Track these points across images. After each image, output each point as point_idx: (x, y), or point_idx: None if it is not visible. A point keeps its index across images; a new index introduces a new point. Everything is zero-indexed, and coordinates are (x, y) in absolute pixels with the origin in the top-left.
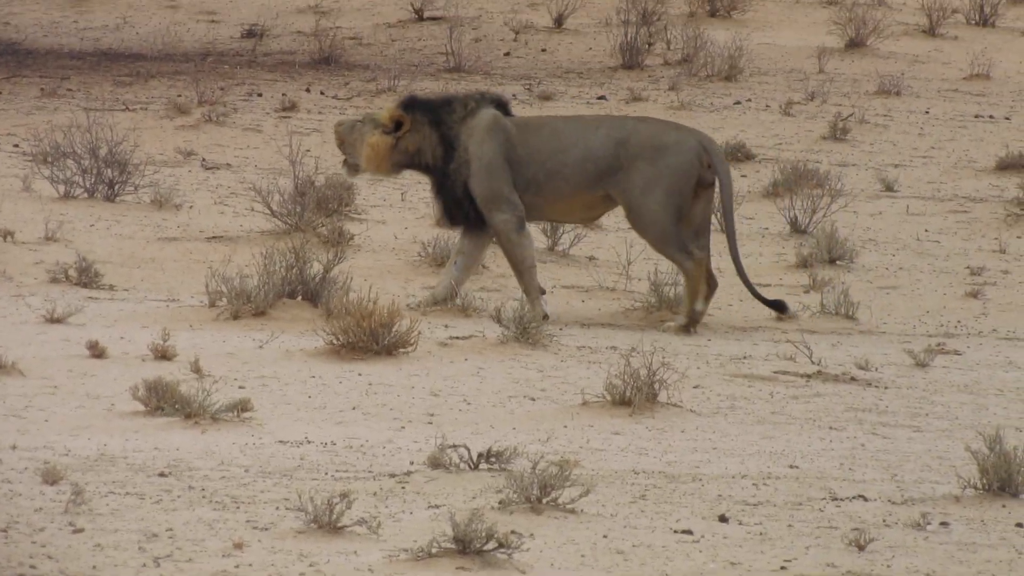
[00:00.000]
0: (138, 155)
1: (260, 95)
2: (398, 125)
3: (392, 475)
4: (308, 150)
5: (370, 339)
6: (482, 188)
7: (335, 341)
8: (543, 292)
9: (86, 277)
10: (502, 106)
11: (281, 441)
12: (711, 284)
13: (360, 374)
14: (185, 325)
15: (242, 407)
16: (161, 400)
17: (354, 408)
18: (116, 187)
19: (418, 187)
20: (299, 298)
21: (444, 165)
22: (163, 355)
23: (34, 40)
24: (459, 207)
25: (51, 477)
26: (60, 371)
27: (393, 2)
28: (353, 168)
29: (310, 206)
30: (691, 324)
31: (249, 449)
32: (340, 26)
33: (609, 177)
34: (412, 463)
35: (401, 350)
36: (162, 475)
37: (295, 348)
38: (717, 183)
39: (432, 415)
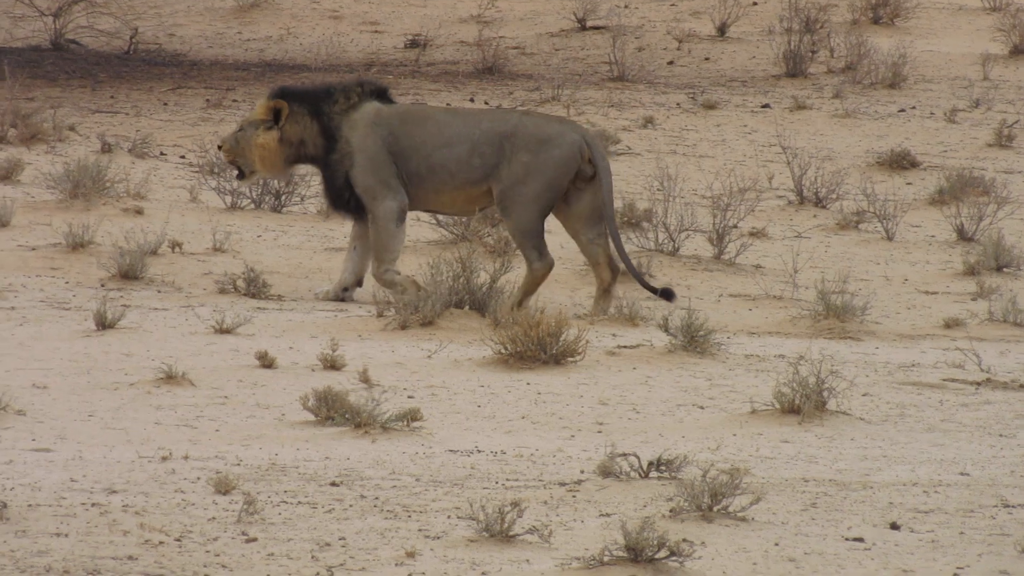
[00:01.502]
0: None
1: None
2: (277, 115)
3: (562, 483)
4: None
5: (538, 348)
6: (365, 179)
7: (503, 351)
8: (397, 274)
9: (254, 287)
10: (383, 94)
11: (451, 450)
12: (613, 270)
13: (528, 383)
14: (353, 335)
15: (412, 416)
16: (331, 410)
17: (523, 417)
18: (282, 198)
19: None
20: (466, 308)
21: (326, 155)
22: (332, 365)
23: (199, 52)
24: (340, 196)
25: (223, 487)
26: (230, 381)
27: (556, 11)
28: (250, 175)
29: (476, 216)
30: (517, 307)
31: (419, 458)
32: (503, 36)
33: (493, 171)
34: (582, 471)
35: (569, 359)
36: (334, 484)
37: (463, 357)
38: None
39: (601, 424)
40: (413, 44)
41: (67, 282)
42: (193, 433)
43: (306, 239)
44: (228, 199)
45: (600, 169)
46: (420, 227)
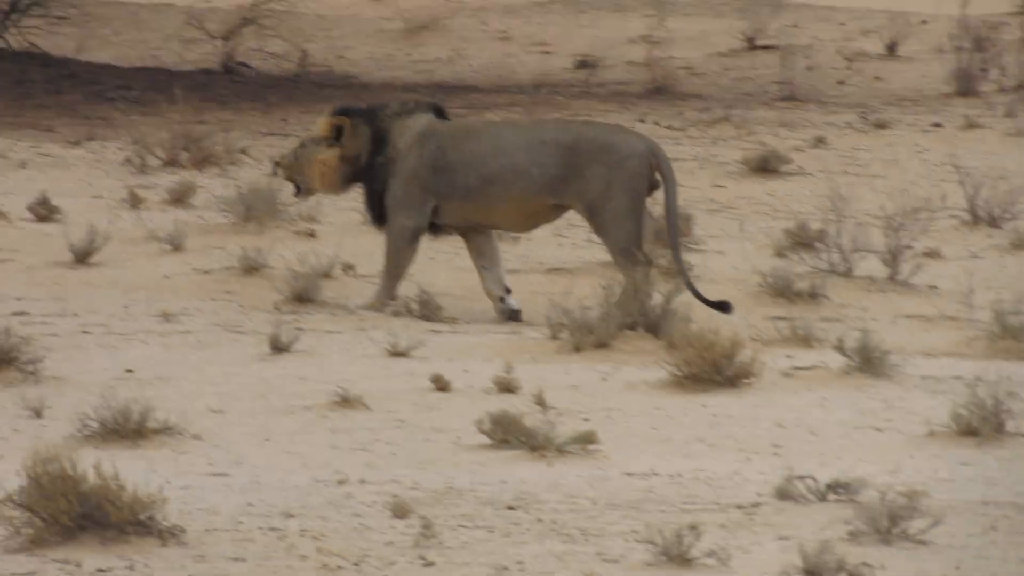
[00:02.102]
0: None
1: None
2: (339, 132)
3: (739, 506)
4: None
5: (713, 370)
6: (399, 191)
7: (678, 373)
8: (393, 299)
9: (428, 310)
10: (438, 111)
11: (628, 473)
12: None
13: (704, 405)
14: (527, 357)
15: (587, 439)
16: (506, 433)
17: (699, 439)
18: None
19: (756, 217)
20: (640, 330)
21: (371, 159)
22: (507, 388)
23: (369, 73)
24: (371, 200)
25: (400, 511)
26: (405, 405)
27: (725, 31)
28: (307, 193)
29: (648, 238)
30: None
31: (596, 481)
32: (673, 56)
33: (559, 184)
34: (759, 494)
35: (744, 381)
36: (510, 508)
37: (638, 380)
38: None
39: (777, 446)
40: (583, 65)
41: (241, 306)
42: (369, 457)
43: None
44: None
45: (667, 179)
46: (592, 248)
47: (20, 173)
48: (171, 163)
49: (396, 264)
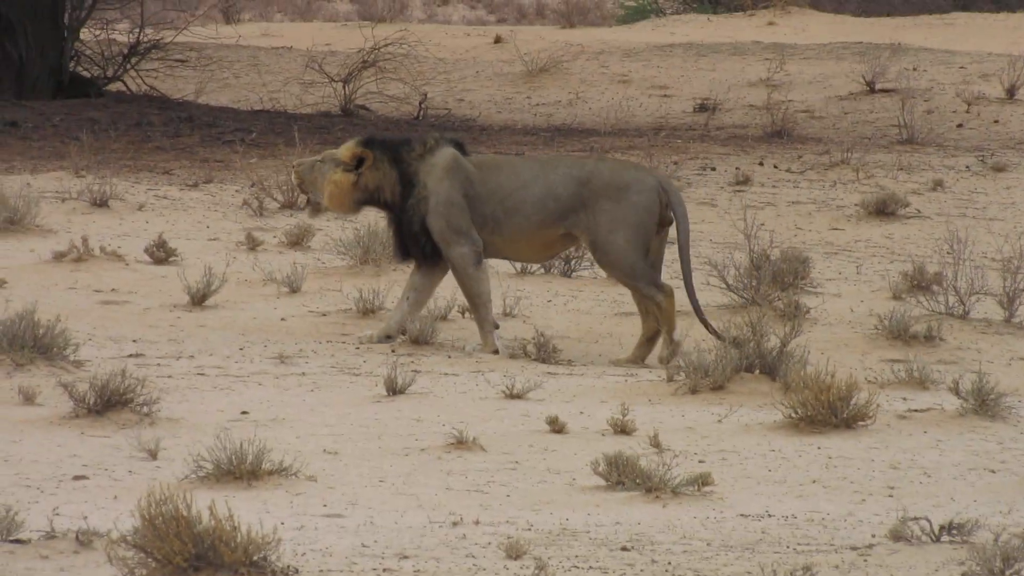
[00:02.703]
0: None
1: (713, 169)
2: (360, 162)
3: (854, 548)
4: (762, 224)
5: (828, 412)
6: (440, 224)
7: (793, 415)
8: (496, 327)
9: (544, 352)
10: (459, 147)
11: (742, 515)
12: (656, 328)
13: (819, 447)
14: (643, 399)
15: (702, 481)
16: (621, 475)
17: (814, 481)
18: (572, 262)
19: (873, 259)
20: (756, 372)
21: (402, 201)
22: (622, 430)
23: (488, 116)
24: (415, 242)
25: (514, 552)
26: (520, 446)
27: (845, 74)
28: (315, 207)
29: (766, 280)
30: (672, 353)
31: (710, 523)
32: (792, 99)
33: (571, 215)
34: (873, 536)
35: (859, 423)
36: (624, 549)
37: (753, 422)
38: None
39: (892, 488)
40: (702, 108)
41: (357, 348)
42: (484, 498)
43: (596, 304)
44: (518, 264)
45: (678, 215)
46: (710, 291)
47: (138, 215)
48: (289, 206)
49: (478, 293)
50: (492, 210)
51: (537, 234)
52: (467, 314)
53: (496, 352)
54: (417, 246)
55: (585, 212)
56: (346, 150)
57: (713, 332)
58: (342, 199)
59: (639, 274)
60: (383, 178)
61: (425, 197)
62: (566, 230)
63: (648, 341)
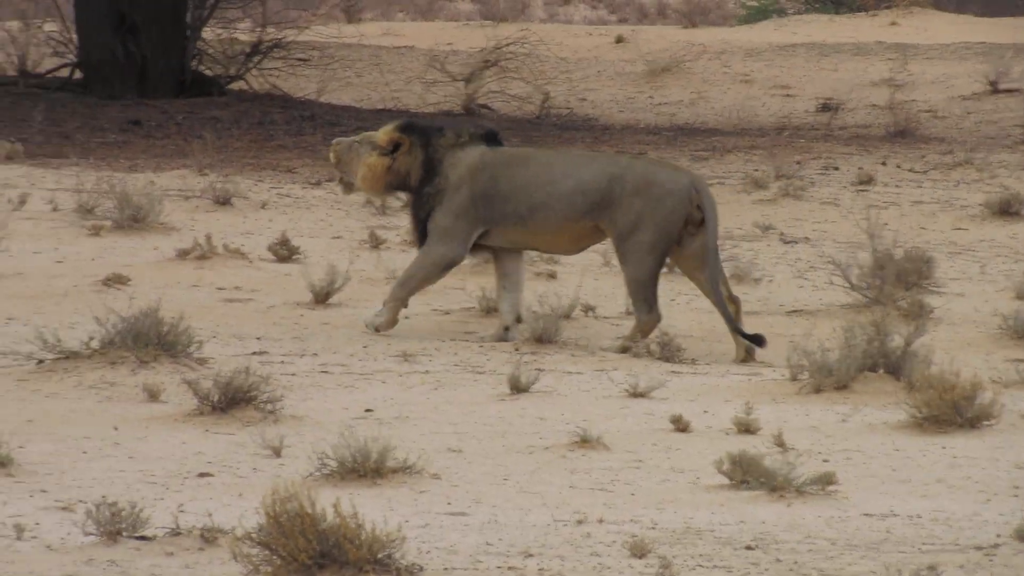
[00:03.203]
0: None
1: (836, 168)
2: (396, 147)
3: (979, 548)
4: (885, 223)
5: (953, 412)
6: (443, 220)
7: (918, 414)
8: (404, 307)
9: (668, 351)
10: (493, 138)
11: (866, 514)
12: (736, 304)
13: (943, 447)
14: (767, 398)
15: (827, 480)
16: (746, 473)
17: (938, 481)
18: None
19: (997, 260)
20: (880, 371)
21: (421, 186)
22: (746, 429)
23: (610, 116)
24: (418, 225)
25: (639, 550)
26: (644, 445)
27: (968, 74)
28: (348, 187)
29: (889, 280)
30: (624, 350)
31: (835, 522)
32: (915, 99)
33: (599, 210)
34: (999, 536)
35: (984, 423)
36: (749, 548)
37: (877, 421)
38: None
39: (1017, 488)
40: (824, 108)
41: (481, 346)
42: (608, 496)
43: None
44: None
45: (708, 216)
46: (833, 291)
47: (261, 214)
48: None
49: (418, 283)
50: (517, 206)
51: (564, 227)
52: (590, 313)
53: (378, 330)
54: (417, 229)
55: (614, 207)
56: (384, 134)
57: (738, 332)
58: (374, 182)
59: (644, 282)
60: (412, 162)
61: (443, 190)
62: (595, 222)
63: (733, 326)
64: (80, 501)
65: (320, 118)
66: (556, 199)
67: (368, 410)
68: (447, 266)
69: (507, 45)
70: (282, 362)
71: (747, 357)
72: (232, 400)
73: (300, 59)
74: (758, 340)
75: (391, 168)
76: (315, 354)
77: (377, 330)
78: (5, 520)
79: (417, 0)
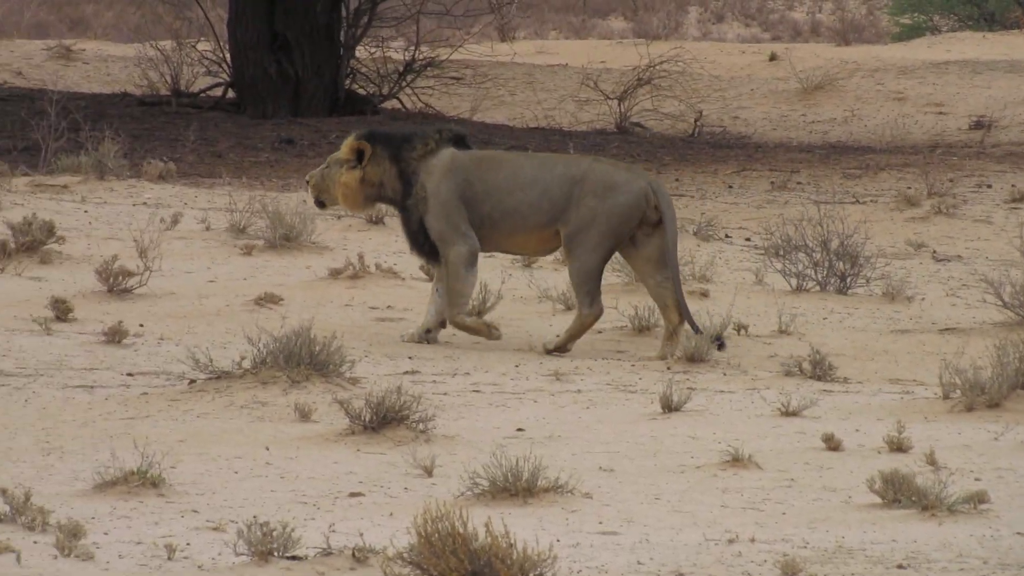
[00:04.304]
0: (869, 247)
1: (989, 186)
2: (360, 155)
3: None
4: None
5: None
6: (439, 224)
7: None
8: (443, 327)
9: (820, 370)
10: (461, 140)
11: (1019, 533)
12: (680, 314)
13: None
14: (919, 417)
15: (978, 499)
16: (897, 492)
17: None
18: (848, 280)
19: None
20: None
21: (403, 200)
22: (898, 447)
23: (763, 134)
24: (415, 240)
25: (790, 569)
26: (796, 464)
27: None
28: (330, 207)
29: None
30: (557, 350)
31: (986, 541)
32: None
33: (561, 214)
34: None
35: None
36: (900, 567)
37: None
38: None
39: None
40: (977, 125)
41: (633, 365)
42: (759, 516)
43: (871, 321)
44: (793, 281)
45: (666, 216)
46: (986, 309)
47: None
48: None
49: (460, 292)
50: (489, 209)
51: (533, 233)
52: (742, 331)
53: (426, 339)
54: (416, 243)
55: (572, 208)
56: (345, 147)
57: (696, 329)
58: (354, 197)
59: (589, 276)
60: (384, 173)
61: (424, 198)
62: (556, 228)
63: (672, 335)
64: (231, 521)
65: (474, 137)
66: (526, 205)
67: (520, 429)
68: (470, 261)
69: (660, 63)
70: (434, 381)
71: (674, 337)
72: (384, 419)
73: (453, 78)
74: (719, 343)
75: (363, 179)
76: (467, 373)
77: (413, 338)
78: (156, 540)
79: (571, 18)
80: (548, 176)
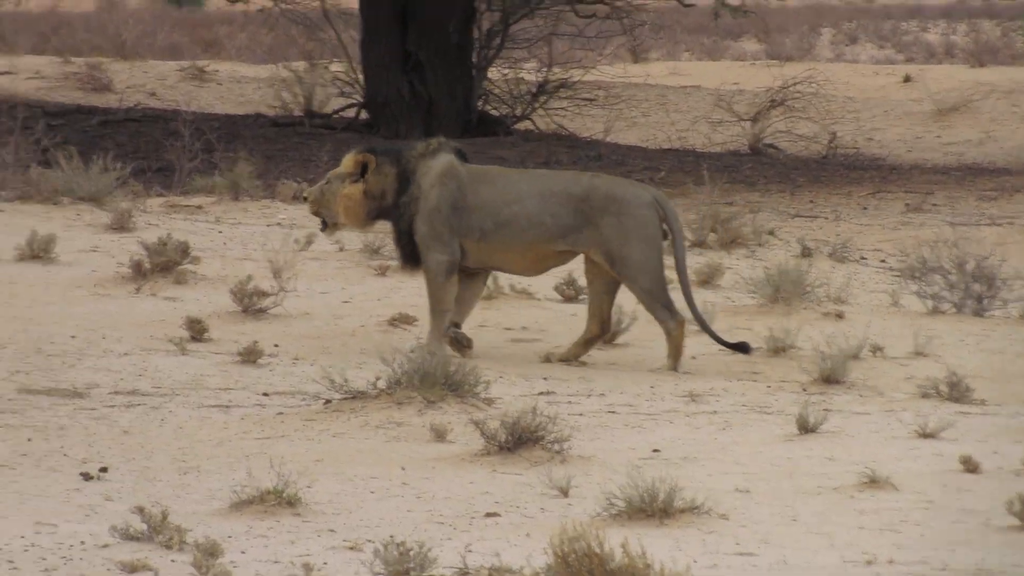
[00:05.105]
0: (1005, 269)
1: None
2: (363, 168)
3: None
4: None
5: None
6: (424, 228)
7: None
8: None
9: (957, 392)
10: (460, 155)
11: None
12: (603, 330)
13: None
14: None
15: None
16: None
17: None
18: (984, 301)
19: None
20: None
21: (396, 198)
22: None
23: (898, 156)
24: (400, 241)
25: None
26: (934, 485)
27: None
28: (332, 228)
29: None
30: (672, 369)
31: None
32: None
33: (573, 233)
34: None
35: None
36: None
37: None
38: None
39: None
40: None
41: (768, 386)
42: (897, 537)
43: (1009, 343)
44: (929, 303)
45: (673, 229)
46: None
47: None
48: (698, 244)
49: (440, 300)
50: (482, 221)
51: (530, 248)
52: (878, 353)
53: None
54: (400, 245)
55: (589, 229)
56: (347, 161)
57: (720, 341)
58: (357, 211)
59: (658, 293)
60: (385, 179)
61: (417, 198)
62: (567, 247)
63: (586, 343)
64: (368, 541)
65: (606, 158)
66: (524, 218)
67: (655, 450)
68: (449, 270)
69: (794, 84)
70: (569, 402)
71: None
72: (519, 440)
73: (586, 99)
74: (743, 348)
75: (367, 192)
76: (602, 394)
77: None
78: (293, 559)
79: (703, 40)
80: (545, 190)
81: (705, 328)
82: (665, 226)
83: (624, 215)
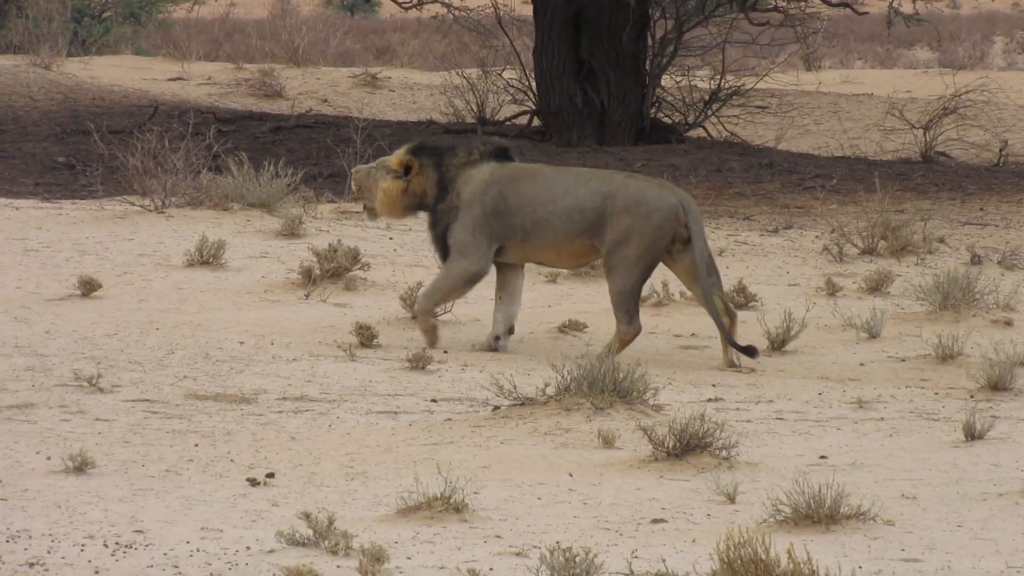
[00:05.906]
0: None
1: None
2: (407, 169)
3: None
4: None
5: None
6: (462, 235)
7: None
8: (433, 317)
9: None
10: (504, 154)
11: None
12: (731, 316)
13: None
14: None
15: None
16: None
17: None
18: None
19: None
20: None
21: (436, 204)
22: None
23: None
24: (438, 243)
25: None
26: None
27: None
28: (371, 212)
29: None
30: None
31: None
32: None
33: (596, 228)
34: None
35: None
36: None
37: None
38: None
39: None
40: None
41: (936, 393)
42: None
43: None
44: None
45: (694, 232)
46: None
47: (718, 260)
48: (868, 251)
49: (444, 295)
50: (522, 220)
51: (565, 244)
52: None
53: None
54: (437, 246)
55: (606, 225)
56: (396, 158)
57: (733, 344)
58: (392, 205)
59: (628, 294)
60: (426, 182)
61: (456, 207)
62: (592, 242)
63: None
64: (534, 547)
65: (778, 166)
66: (556, 216)
67: (822, 457)
68: (470, 280)
69: (966, 92)
70: (737, 409)
71: (733, 364)
72: (687, 446)
73: (759, 107)
74: (750, 351)
75: (406, 190)
76: (770, 401)
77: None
78: (460, 565)
79: (876, 48)
80: (581, 189)
81: (719, 326)
82: (686, 229)
83: (639, 216)
